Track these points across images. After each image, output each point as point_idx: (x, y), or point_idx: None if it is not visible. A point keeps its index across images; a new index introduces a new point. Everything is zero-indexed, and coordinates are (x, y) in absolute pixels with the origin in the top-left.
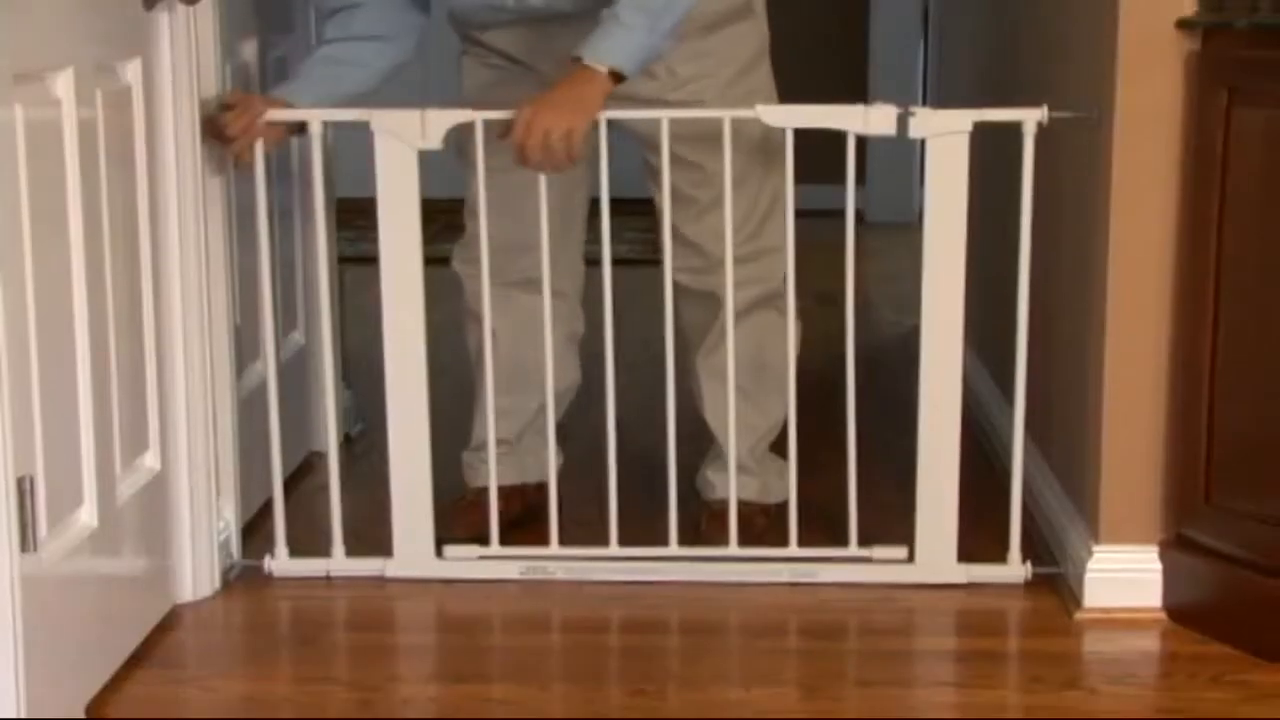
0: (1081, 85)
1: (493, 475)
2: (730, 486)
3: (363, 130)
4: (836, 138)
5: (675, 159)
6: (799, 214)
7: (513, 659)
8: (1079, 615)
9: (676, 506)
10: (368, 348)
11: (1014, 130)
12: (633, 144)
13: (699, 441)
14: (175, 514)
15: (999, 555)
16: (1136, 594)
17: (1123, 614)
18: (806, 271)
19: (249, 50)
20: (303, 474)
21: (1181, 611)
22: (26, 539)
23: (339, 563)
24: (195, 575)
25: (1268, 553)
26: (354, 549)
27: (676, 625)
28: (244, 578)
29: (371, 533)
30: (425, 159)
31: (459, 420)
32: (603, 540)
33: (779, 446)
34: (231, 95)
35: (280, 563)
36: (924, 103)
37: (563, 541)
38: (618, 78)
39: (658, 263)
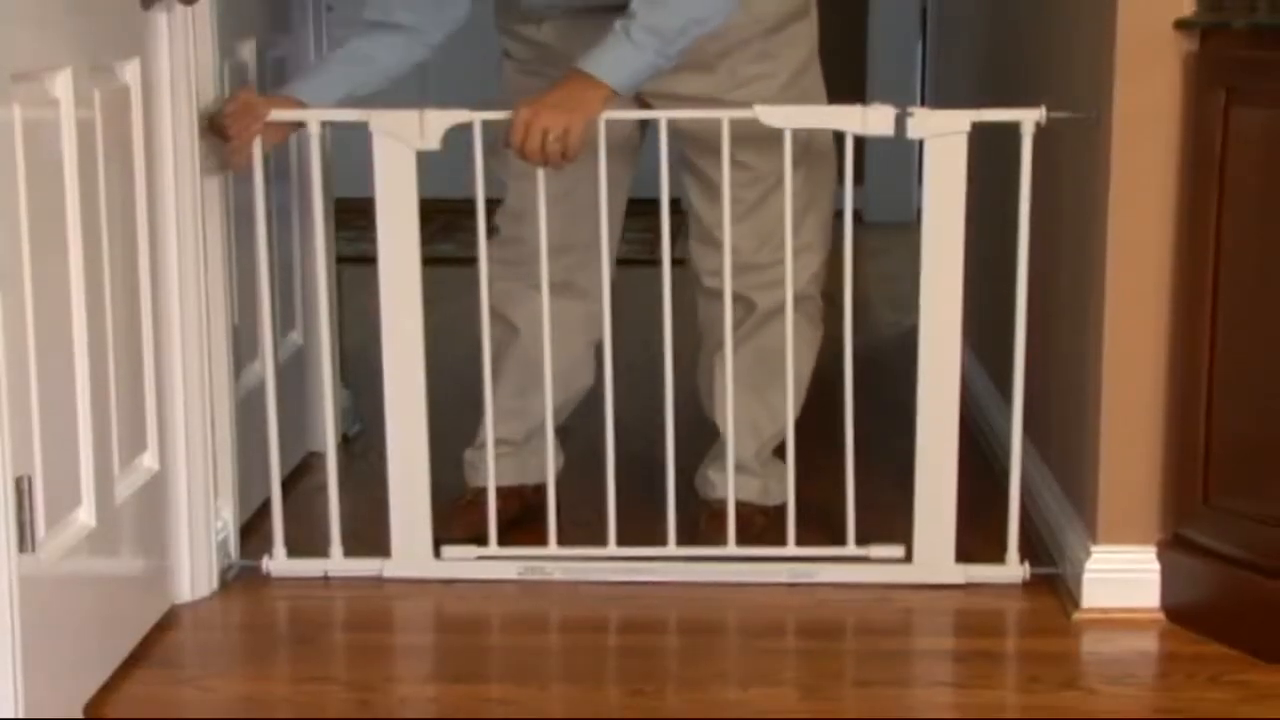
0: (1080, 85)
1: (491, 474)
2: (729, 486)
3: (361, 130)
4: (835, 138)
5: (721, 159)
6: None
7: (511, 659)
8: (1077, 615)
9: (675, 507)
10: (366, 348)
11: (1012, 130)
12: (647, 145)
13: (698, 442)
14: (173, 514)
15: (997, 555)
16: (1135, 594)
17: (1121, 614)
18: None
19: (247, 50)
20: (301, 474)
21: (1180, 612)
22: (25, 539)
23: (337, 563)
24: (193, 575)
25: (1266, 553)
26: (352, 549)
27: (675, 625)
28: (242, 578)
29: (370, 533)
30: (424, 159)
31: (457, 420)
32: (601, 540)
33: (781, 449)
34: (232, 98)
35: (278, 563)
36: (922, 103)
37: (561, 542)
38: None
39: (657, 262)
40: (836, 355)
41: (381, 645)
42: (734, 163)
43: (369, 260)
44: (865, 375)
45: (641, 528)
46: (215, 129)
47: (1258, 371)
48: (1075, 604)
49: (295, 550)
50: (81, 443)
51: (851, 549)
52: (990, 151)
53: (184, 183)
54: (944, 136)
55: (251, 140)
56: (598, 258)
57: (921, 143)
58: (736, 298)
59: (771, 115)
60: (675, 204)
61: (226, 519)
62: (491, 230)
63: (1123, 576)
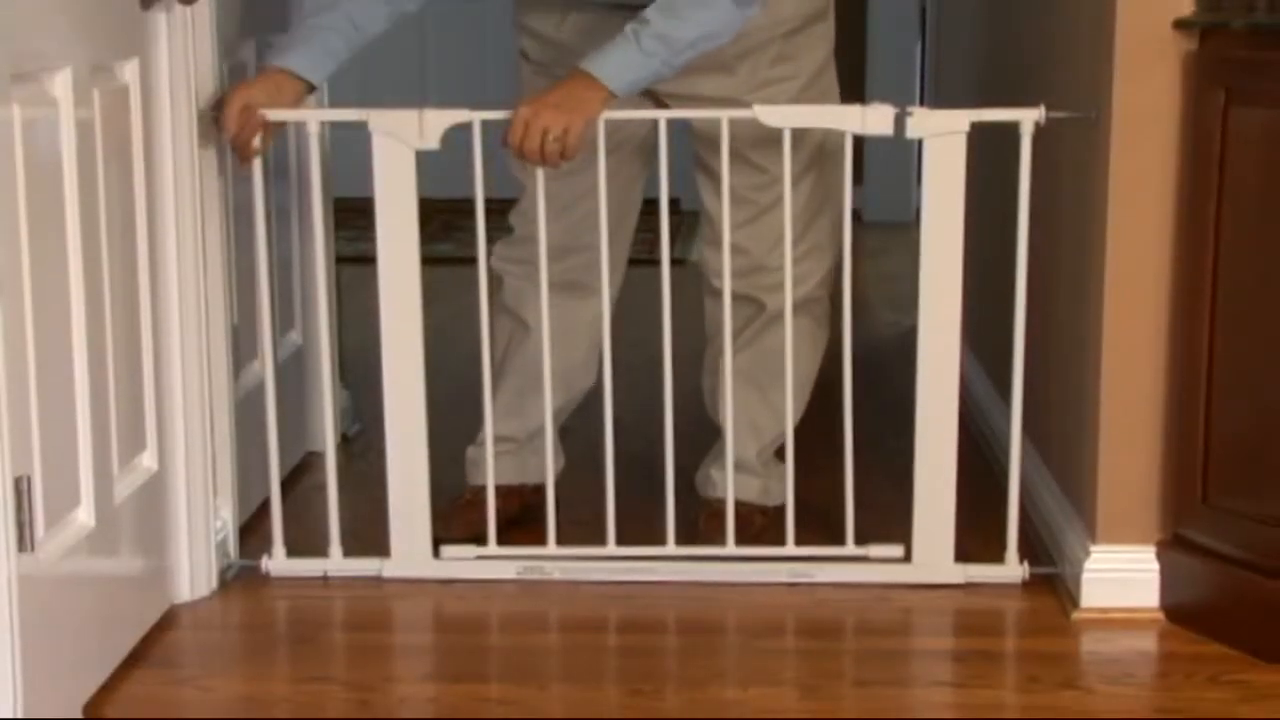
0: (1079, 85)
1: (490, 472)
2: (728, 485)
3: (360, 130)
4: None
5: (739, 159)
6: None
7: (510, 659)
8: (1076, 615)
9: (674, 506)
10: (365, 348)
11: (1012, 130)
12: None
13: (697, 442)
14: (173, 514)
15: (996, 555)
16: (1134, 594)
17: (1120, 614)
18: None
19: (246, 50)
20: (300, 474)
21: (1179, 611)
22: (24, 539)
23: (336, 563)
24: (193, 575)
25: (1265, 553)
26: (351, 549)
27: (674, 625)
28: (241, 578)
29: (369, 533)
30: (423, 159)
31: (457, 420)
32: (600, 540)
33: (782, 450)
34: (232, 99)
35: (277, 563)
36: (921, 103)
37: (560, 541)
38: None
39: (657, 262)
40: (836, 355)
41: (381, 645)
42: (749, 165)
43: (368, 260)
44: (864, 375)
45: (641, 527)
46: (217, 123)
47: (1257, 371)
48: (1074, 604)
49: (294, 550)
50: (81, 442)
51: (851, 549)
52: (990, 151)
53: (183, 183)
54: (943, 136)
55: (253, 140)
56: (614, 256)
57: (921, 142)
58: (746, 298)
59: (770, 115)
60: (675, 204)
61: (226, 519)
62: (505, 229)
63: (1122, 576)
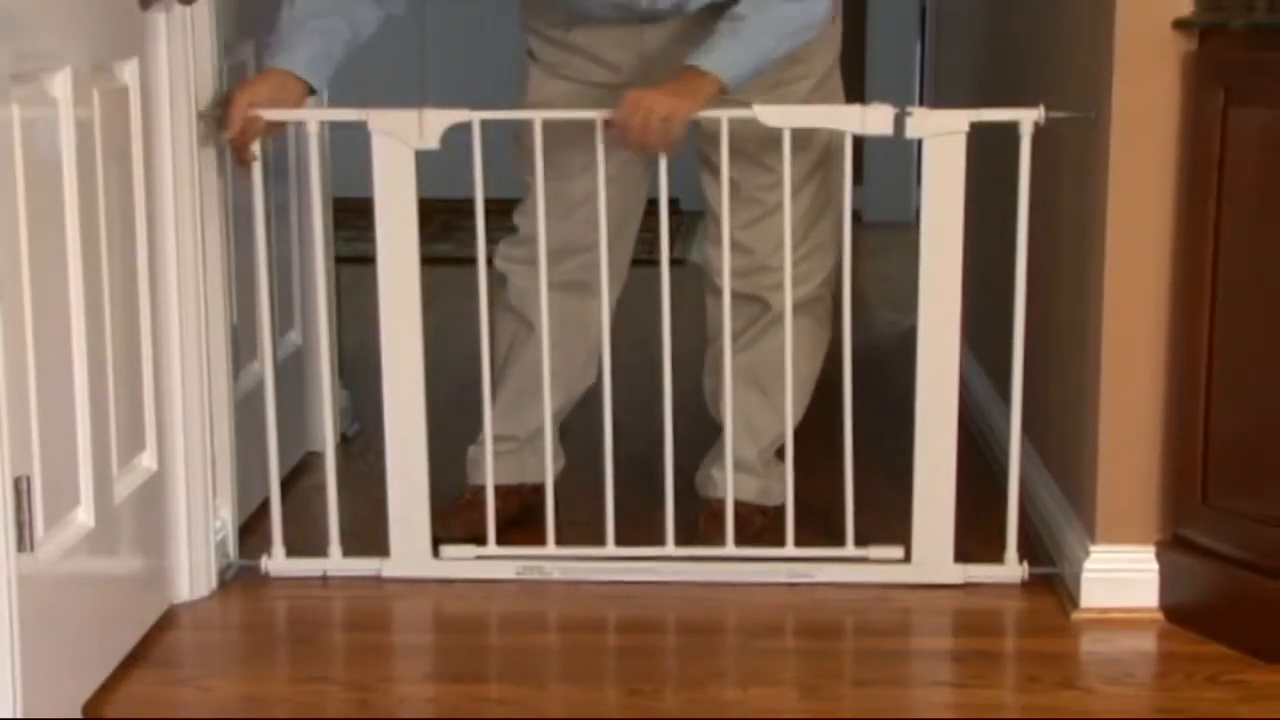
0: (1079, 85)
1: (489, 471)
2: (728, 485)
3: (360, 130)
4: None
5: (748, 159)
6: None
7: (510, 659)
8: (1076, 615)
9: (674, 506)
10: (365, 348)
11: (1011, 130)
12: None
13: (697, 441)
14: (172, 514)
15: (996, 555)
16: (1133, 594)
17: (1119, 614)
18: None
19: (246, 50)
20: (299, 474)
21: (1178, 611)
22: (23, 539)
23: (336, 562)
24: (192, 575)
25: (1265, 553)
26: (351, 549)
27: (673, 625)
28: (241, 578)
29: (368, 533)
30: (423, 159)
31: (456, 420)
32: (599, 540)
33: (782, 450)
34: (233, 99)
35: (277, 563)
36: (921, 103)
37: (559, 541)
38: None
39: (655, 262)
40: (836, 355)
41: (380, 645)
42: (758, 165)
43: (368, 260)
44: (864, 375)
45: (640, 527)
46: (219, 123)
47: (1257, 371)
48: (1074, 604)
49: (294, 550)
50: (80, 443)
51: (850, 550)
52: (989, 151)
53: (183, 182)
54: (943, 136)
55: (252, 144)
56: (613, 258)
57: (920, 142)
58: (751, 298)
59: (770, 115)
60: (674, 204)
61: (225, 519)
62: (506, 229)
63: (1121, 576)
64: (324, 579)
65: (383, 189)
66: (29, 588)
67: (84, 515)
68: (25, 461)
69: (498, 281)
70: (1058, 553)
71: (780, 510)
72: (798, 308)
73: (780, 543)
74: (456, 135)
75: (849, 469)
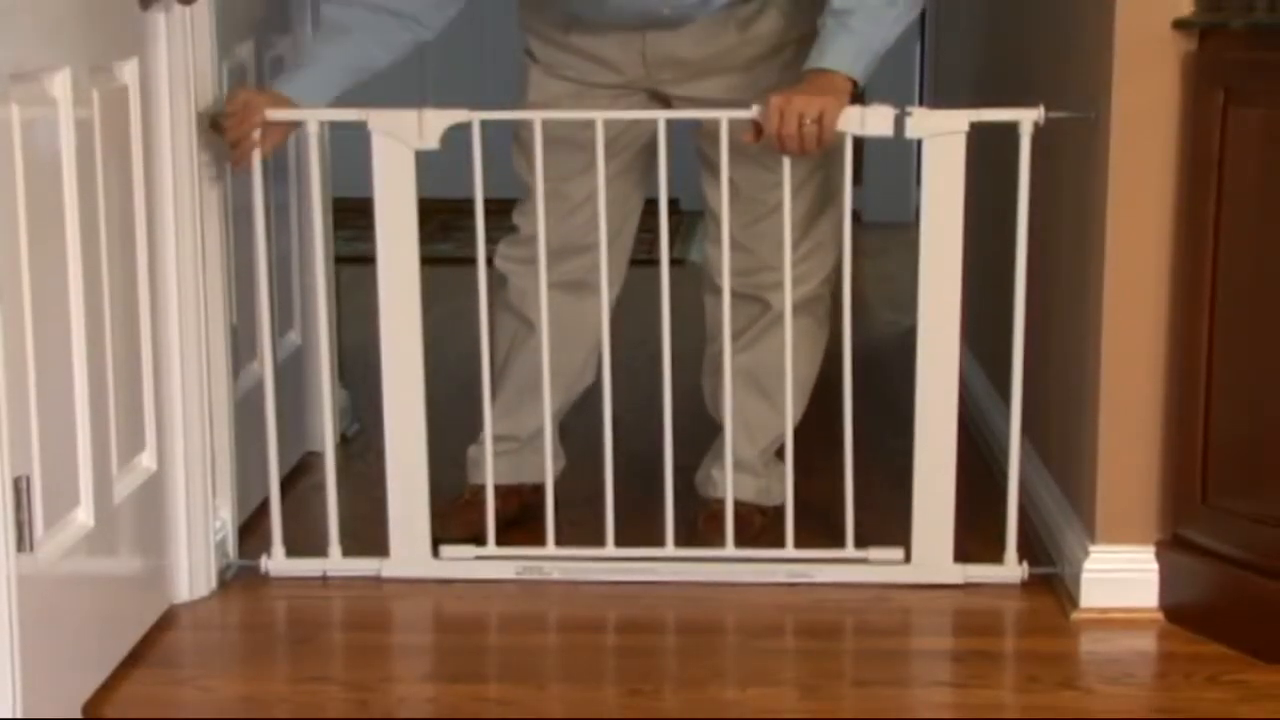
0: (1078, 85)
1: (489, 471)
2: (727, 485)
3: (360, 130)
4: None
5: (749, 160)
6: None
7: (509, 659)
8: (1075, 615)
9: (673, 507)
10: (364, 348)
11: (1011, 130)
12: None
13: (696, 442)
14: (172, 514)
15: (995, 555)
16: (1133, 594)
17: (1119, 614)
18: None
19: (245, 50)
20: (299, 474)
21: (1178, 612)
22: (23, 539)
23: (335, 563)
24: (192, 575)
25: (1264, 553)
26: (350, 549)
27: (673, 625)
28: (240, 578)
29: (368, 533)
30: (422, 159)
31: (456, 420)
32: (599, 540)
33: (783, 450)
34: (231, 98)
35: (277, 563)
36: (921, 103)
37: (559, 541)
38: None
39: (654, 262)
40: (836, 355)
41: (380, 645)
42: (759, 165)
43: (367, 260)
44: (864, 376)
45: (639, 527)
46: (216, 128)
47: (1256, 371)
48: (1074, 604)
49: (293, 550)
50: (80, 443)
51: (850, 551)
52: (989, 151)
53: (182, 183)
54: (942, 136)
55: (249, 139)
56: (612, 258)
57: (920, 142)
58: (751, 298)
59: None
60: (674, 204)
61: (225, 519)
62: (505, 229)
63: (1121, 576)
64: (324, 579)
65: (383, 189)
66: (29, 588)
67: (84, 515)
68: (25, 461)
69: (497, 281)
70: (1057, 553)
71: (780, 510)
72: (798, 307)
73: (780, 543)
74: (456, 135)
75: (849, 469)
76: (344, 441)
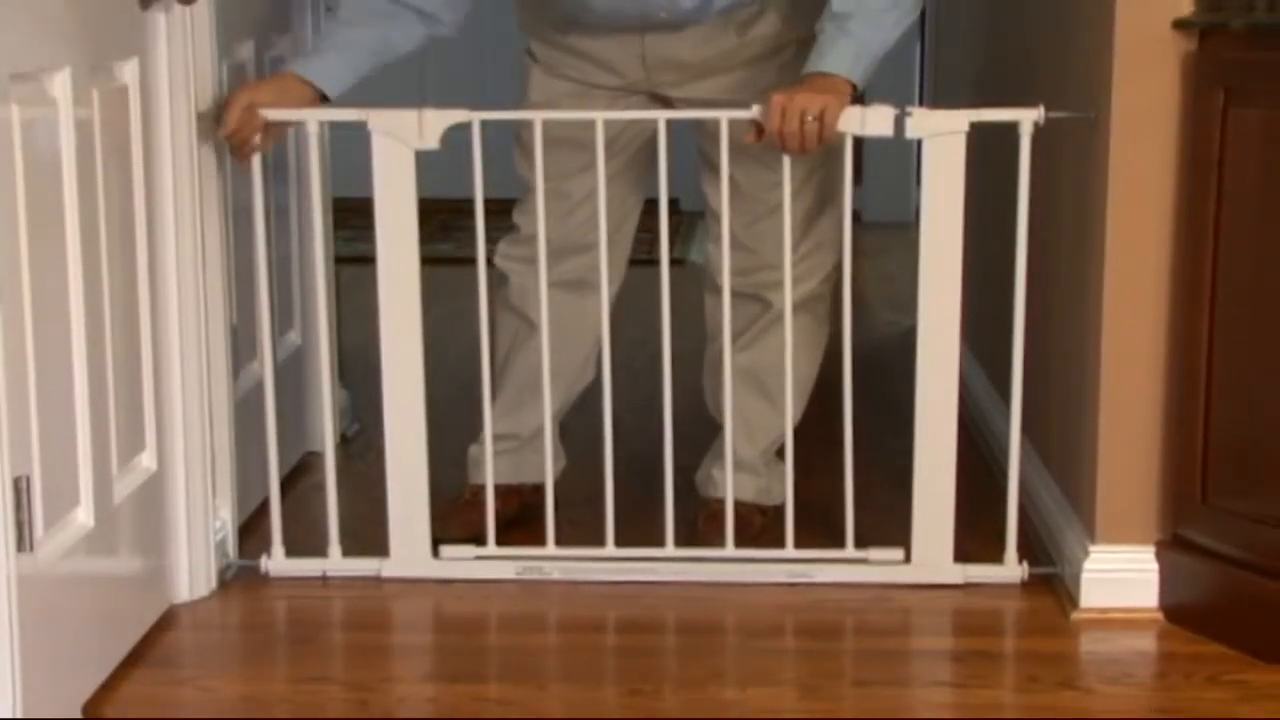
0: (1078, 85)
1: (489, 471)
2: (727, 486)
3: (360, 130)
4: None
5: (750, 159)
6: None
7: (509, 659)
8: (1075, 615)
9: (674, 506)
10: (364, 348)
11: (1011, 130)
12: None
13: (696, 442)
14: (172, 514)
15: (995, 555)
16: (1133, 594)
17: (1119, 614)
18: None
19: (245, 50)
20: (299, 474)
21: (1178, 612)
22: (23, 539)
23: (335, 563)
24: (192, 575)
25: (1264, 553)
26: (350, 549)
27: (673, 625)
28: (240, 578)
29: (368, 533)
30: (422, 159)
31: (456, 420)
32: (599, 540)
33: (782, 449)
34: (234, 99)
35: (277, 563)
36: (921, 103)
37: (559, 541)
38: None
39: (654, 262)
40: (836, 355)
41: (380, 645)
42: (759, 164)
43: (367, 260)
44: (864, 375)
45: (639, 527)
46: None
47: (1256, 371)
48: (1074, 604)
49: (293, 550)
50: (80, 443)
51: (850, 552)
52: (989, 151)
53: (182, 182)
54: (943, 136)
55: (250, 144)
56: (611, 257)
57: (920, 142)
58: (752, 297)
59: None
60: (674, 204)
61: (225, 519)
62: (505, 229)
63: (1121, 576)
64: (324, 579)
65: (383, 189)
66: (29, 588)
67: (84, 515)
68: (25, 461)
69: (498, 280)
70: (1057, 553)
71: (780, 510)
72: (798, 306)
73: (780, 543)
74: (456, 135)
75: (849, 469)
76: (344, 441)
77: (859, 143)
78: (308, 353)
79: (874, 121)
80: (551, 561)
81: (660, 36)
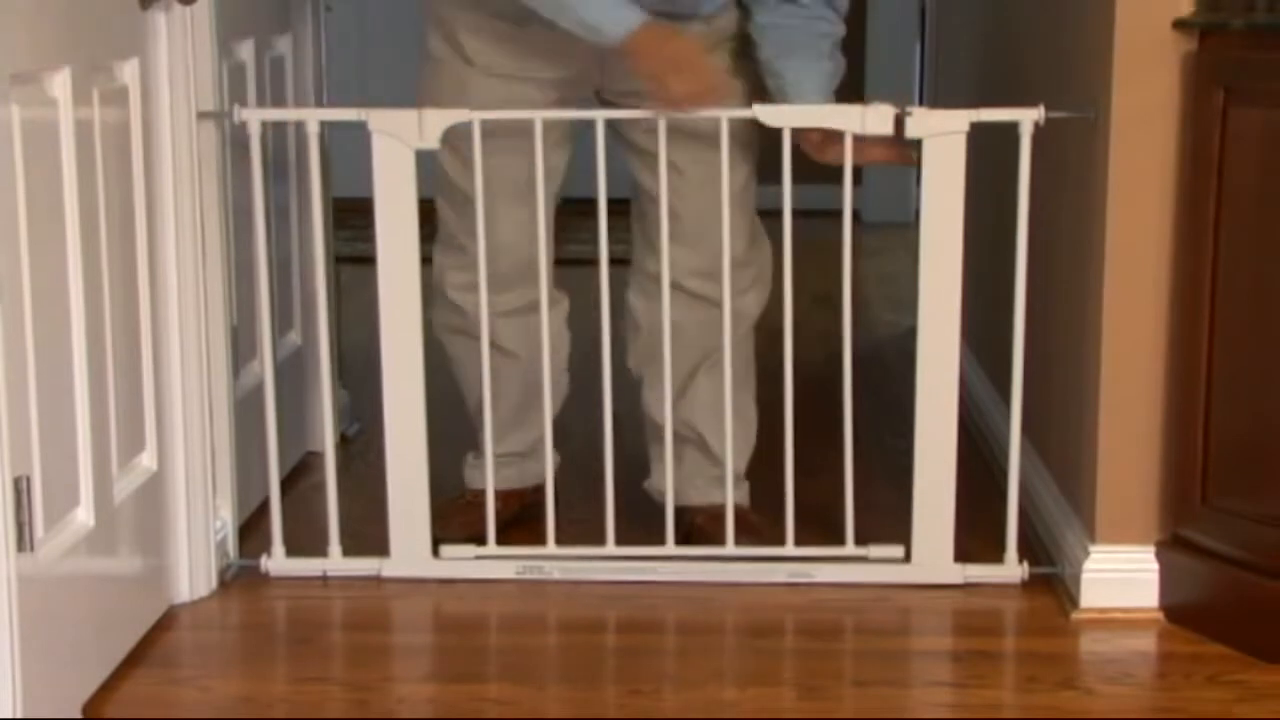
0: (1078, 85)
1: (489, 479)
2: (728, 486)
3: (360, 130)
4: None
5: (698, 143)
6: (796, 214)
7: (509, 659)
8: (1075, 615)
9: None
10: (365, 348)
11: (1011, 130)
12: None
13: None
14: (172, 514)
15: (996, 555)
16: (1133, 594)
17: (1119, 614)
18: (803, 272)
19: (246, 50)
20: (299, 474)
21: (1178, 611)
22: (23, 539)
23: (335, 562)
24: (192, 575)
25: (1264, 553)
26: (350, 549)
27: (673, 625)
28: (241, 577)
29: (368, 532)
30: (423, 159)
31: (456, 420)
32: (599, 540)
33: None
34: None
35: (277, 562)
36: (921, 102)
37: (559, 541)
38: None
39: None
40: (835, 356)
41: (380, 645)
42: (703, 144)
43: (367, 260)
44: (864, 375)
45: (639, 527)
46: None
47: (1255, 371)
48: (1074, 604)
49: (294, 550)
50: (80, 443)
51: (850, 549)
52: (989, 151)
53: (182, 182)
54: (943, 136)
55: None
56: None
57: (920, 142)
58: (714, 304)
59: (770, 115)
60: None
61: (225, 518)
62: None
63: (1121, 576)
64: (324, 579)
65: (383, 189)
66: (29, 588)
67: (84, 515)
68: (25, 461)
69: (450, 311)
70: (1057, 553)
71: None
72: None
73: (780, 542)
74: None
75: (849, 469)
76: (344, 441)
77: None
78: (308, 353)
79: (874, 121)
80: (551, 561)
81: None
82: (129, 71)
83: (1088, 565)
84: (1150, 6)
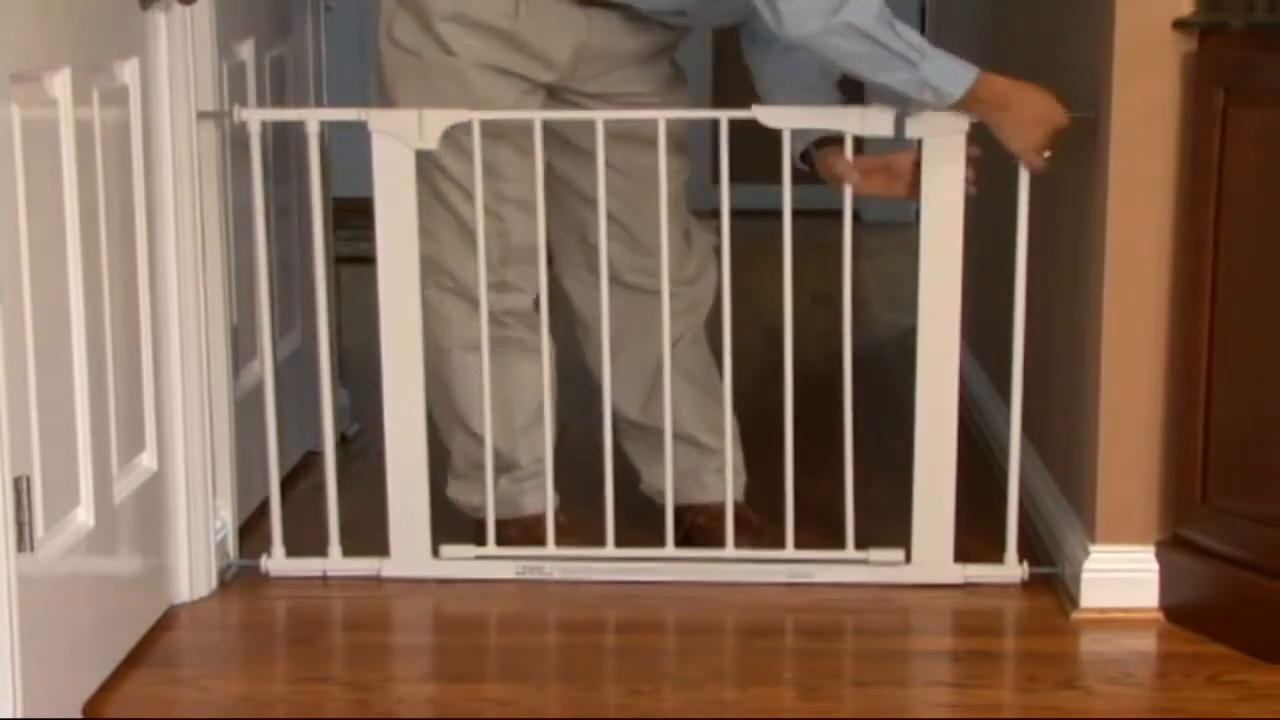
0: (1079, 85)
1: (488, 487)
2: (728, 486)
3: (360, 130)
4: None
5: (634, 142)
6: (796, 214)
7: (509, 659)
8: (1076, 615)
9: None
10: (365, 348)
11: None
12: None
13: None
14: (172, 514)
15: (996, 555)
16: (1133, 594)
17: (1119, 614)
18: (803, 272)
19: (246, 50)
20: (299, 474)
21: (1178, 611)
22: (23, 539)
23: (335, 562)
24: (192, 575)
25: (1264, 553)
26: (350, 549)
27: (673, 625)
28: (241, 577)
29: (368, 532)
30: (423, 159)
31: None
32: (599, 540)
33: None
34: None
35: (277, 562)
36: None
37: (559, 541)
38: None
39: None
40: (835, 356)
41: (380, 645)
42: (640, 143)
43: (368, 260)
44: (864, 375)
45: (639, 528)
46: None
47: (1255, 370)
48: (1074, 604)
49: (294, 550)
50: (80, 442)
51: (850, 552)
52: (989, 151)
53: (182, 182)
54: (942, 136)
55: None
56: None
57: (920, 142)
58: (643, 291)
59: (769, 115)
60: None
61: (225, 519)
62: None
63: (1121, 576)
64: (324, 579)
65: (383, 189)
66: (29, 588)
67: (84, 515)
68: (25, 461)
69: (440, 324)
70: (1057, 553)
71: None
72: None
73: (780, 543)
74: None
75: (849, 469)
76: (344, 441)
77: (859, 143)
78: (308, 353)
79: (874, 121)
80: (551, 561)
81: (609, 24)
82: (129, 71)
83: (1088, 565)
84: (1150, 7)
